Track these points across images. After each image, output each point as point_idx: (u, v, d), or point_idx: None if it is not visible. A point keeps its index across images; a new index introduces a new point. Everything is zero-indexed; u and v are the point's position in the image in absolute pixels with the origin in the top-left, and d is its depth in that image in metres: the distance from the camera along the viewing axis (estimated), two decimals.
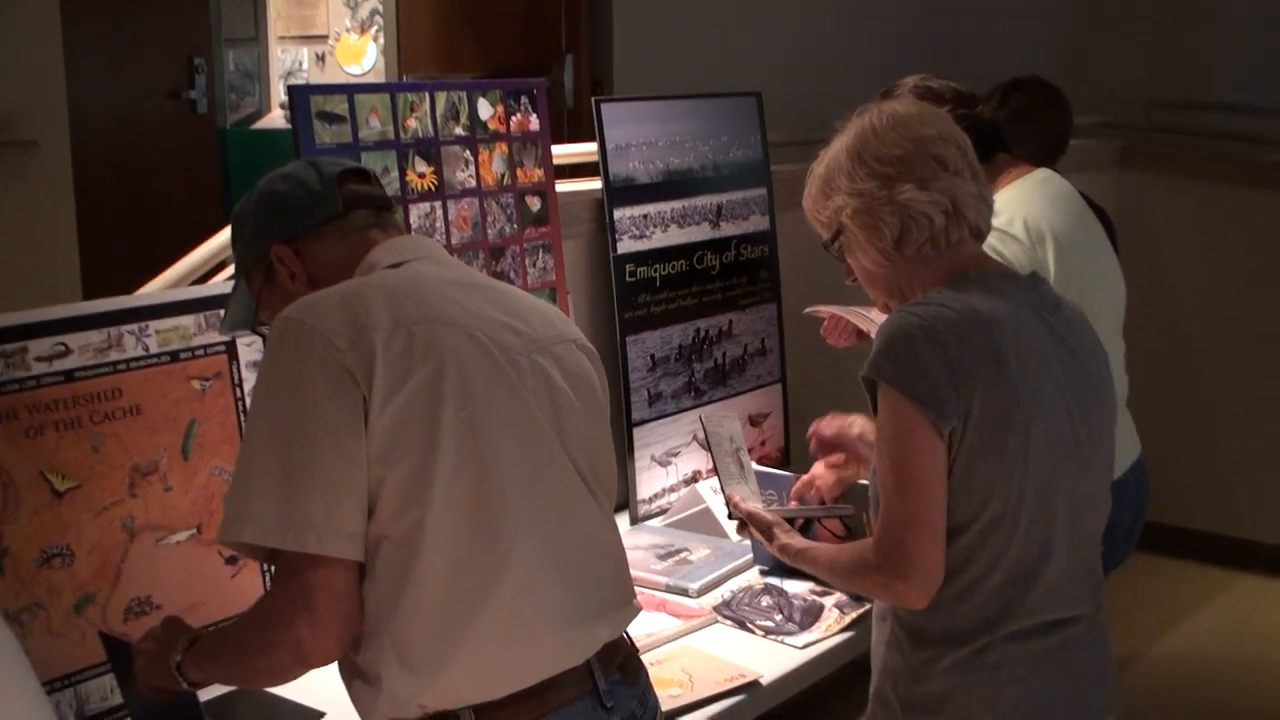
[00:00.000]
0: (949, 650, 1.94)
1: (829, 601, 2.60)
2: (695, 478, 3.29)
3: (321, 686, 1.93)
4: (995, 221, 2.70)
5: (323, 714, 2.17)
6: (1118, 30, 5.94)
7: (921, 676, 1.96)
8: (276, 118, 7.05)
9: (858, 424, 2.48)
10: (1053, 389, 1.94)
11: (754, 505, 2.33)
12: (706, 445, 2.54)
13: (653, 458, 3.22)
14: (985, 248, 2.59)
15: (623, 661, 1.82)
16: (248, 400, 2.41)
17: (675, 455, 3.27)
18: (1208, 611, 4.99)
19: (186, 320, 2.36)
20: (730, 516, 2.36)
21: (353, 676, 1.70)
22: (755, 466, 2.82)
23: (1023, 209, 2.73)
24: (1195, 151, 5.48)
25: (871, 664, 2.11)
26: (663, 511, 3.19)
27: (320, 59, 7.17)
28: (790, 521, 2.28)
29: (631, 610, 1.87)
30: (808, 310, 2.97)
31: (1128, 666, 4.45)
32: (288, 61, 7.28)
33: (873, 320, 2.75)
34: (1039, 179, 2.86)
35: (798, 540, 2.21)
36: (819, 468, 2.58)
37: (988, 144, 2.76)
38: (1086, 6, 6.07)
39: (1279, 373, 5.24)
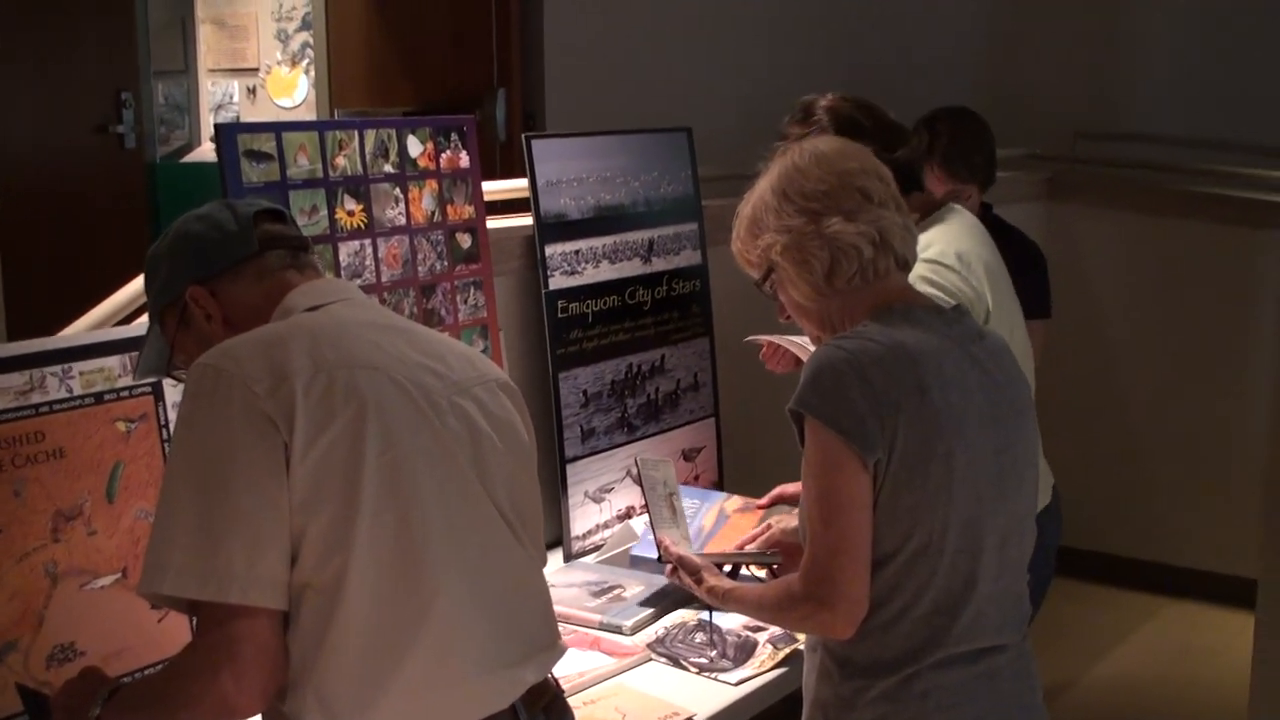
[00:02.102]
0: (877, 680, 1.96)
1: (762, 637, 2.60)
2: (629, 514, 3.28)
3: None
4: (925, 254, 2.73)
5: None
6: (1045, 63, 6.04)
7: (850, 706, 1.98)
8: (207, 151, 7.00)
9: (781, 522, 2.52)
10: (976, 420, 1.97)
11: (683, 549, 2.35)
12: (640, 487, 2.56)
13: (586, 494, 3.21)
14: (920, 280, 2.62)
15: (548, 704, 1.82)
16: None
17: (609, 491, 3.26)
18: (1137, 638, 5.04)
19: (111, 361, 2.33)
20: (660, 560, 2.38)
21: None
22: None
23: (949, 239, 2.77)
24: (1121, 182, 5.56)
25: (803, 695, 2.12)
26: (597, 548, 3.19)
27: (251, 92, 7.14)
28: (719, 566, 2.30)
29: (557, 651, 1.87)
30: (747, 339, 2.99)
31: (1060, 693, 4.49)
32: (218, 94, 7.24)
33: (809, 350, 2.77)
34: (952, 210, 2.91)
35: (724, 582, 2.25)
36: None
37: (907, 183, 2.81)
38: (1013, 40, 6.16)
39: (1205, 399, 5.32)
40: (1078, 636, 4.91)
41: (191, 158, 7.09)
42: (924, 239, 2.82)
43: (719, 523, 2.94)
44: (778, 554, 2.42)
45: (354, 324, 1.79)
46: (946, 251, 2.73)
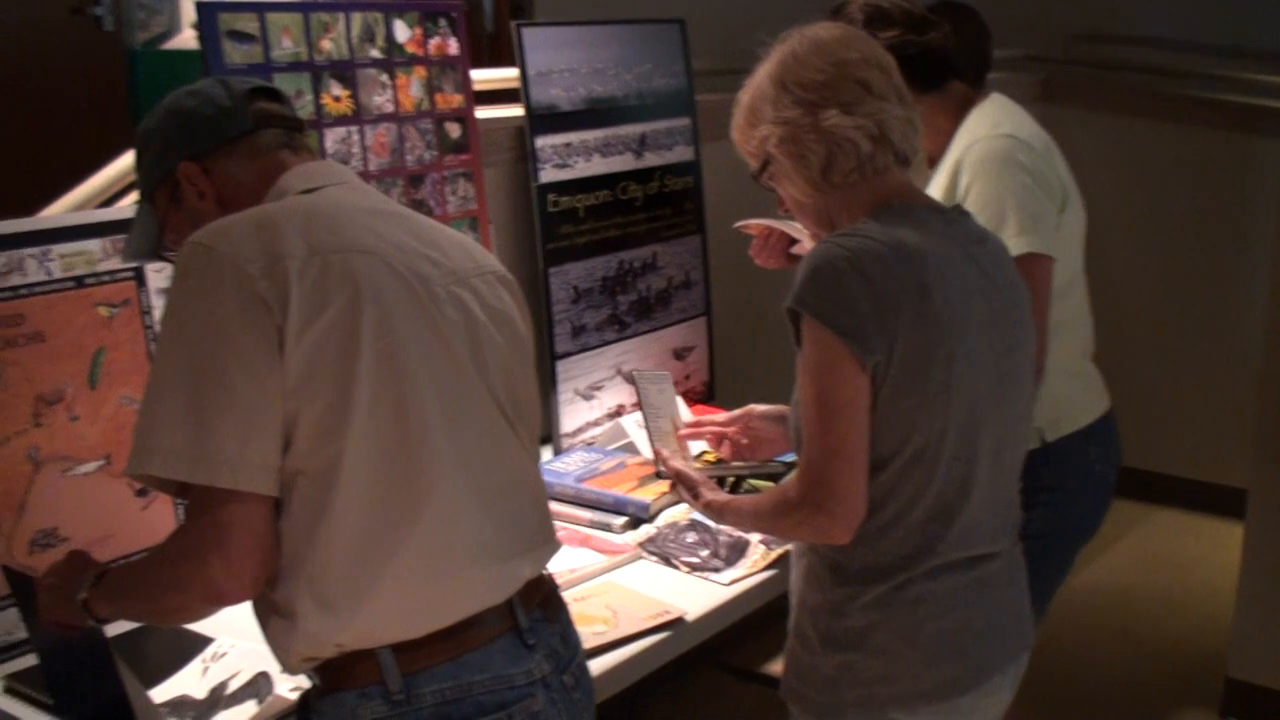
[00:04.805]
0: (869, 586, 1.93)
1: (755, 538, 2.57)
2: (619, 411, 3.25)
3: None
4: (999, 129, 2.59)
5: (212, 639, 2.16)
6: None
7: (841, 612, 1.96)
8: (188, 38, 6.80)
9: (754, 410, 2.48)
10: (976, 324, 1.92)
11: (681, 464, 2.30)
12: (639, 400, 2.52)
13: (576, 391, 3.17)
14: (1008, 162, 2.51)
15: (544, 598, 1.78)
16: (157, 329, 2.33)
17: (599, 389, 3.22)
18: (1125, 545, 5.06)
19: (92, 245, 2.27)
20: (658, 475, 2.33)
21: (268, 614, 1.64)
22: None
23: (1015, 121, 2.65)
24: (1117, 86, 5.49)
25: (790, 600, 2.09)
26: (588, 446, 3.15)
27: None
28: (720, 481, 2.25)
29: (553, 547, 1.83)
30: (737, 224, 2.92)
31: None
32: None
33: (806, 233, 2.71)
34: (1004, 100, 2.76)
35: (720, 496, 2.20)
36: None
37: (941, 72, 2.67)
38: None
39: (1197, 307, 5.30)
40: None
41: (172, 45, 6.92)
42: (986, 118, 2.66)
43: (616, 468, 2.89)
44: (778, 464, 2.37)
45: (350, 208, 1.72)
46: (1021, 128, 2.62)
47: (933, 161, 2.71)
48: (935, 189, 2.60)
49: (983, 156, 2.56)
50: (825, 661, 1.97)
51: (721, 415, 2.47)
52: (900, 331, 1.84)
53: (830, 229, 2.00)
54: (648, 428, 2.44)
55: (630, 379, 2.96)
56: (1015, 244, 2.44)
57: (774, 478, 2.40)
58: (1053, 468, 2.61)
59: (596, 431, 3.20)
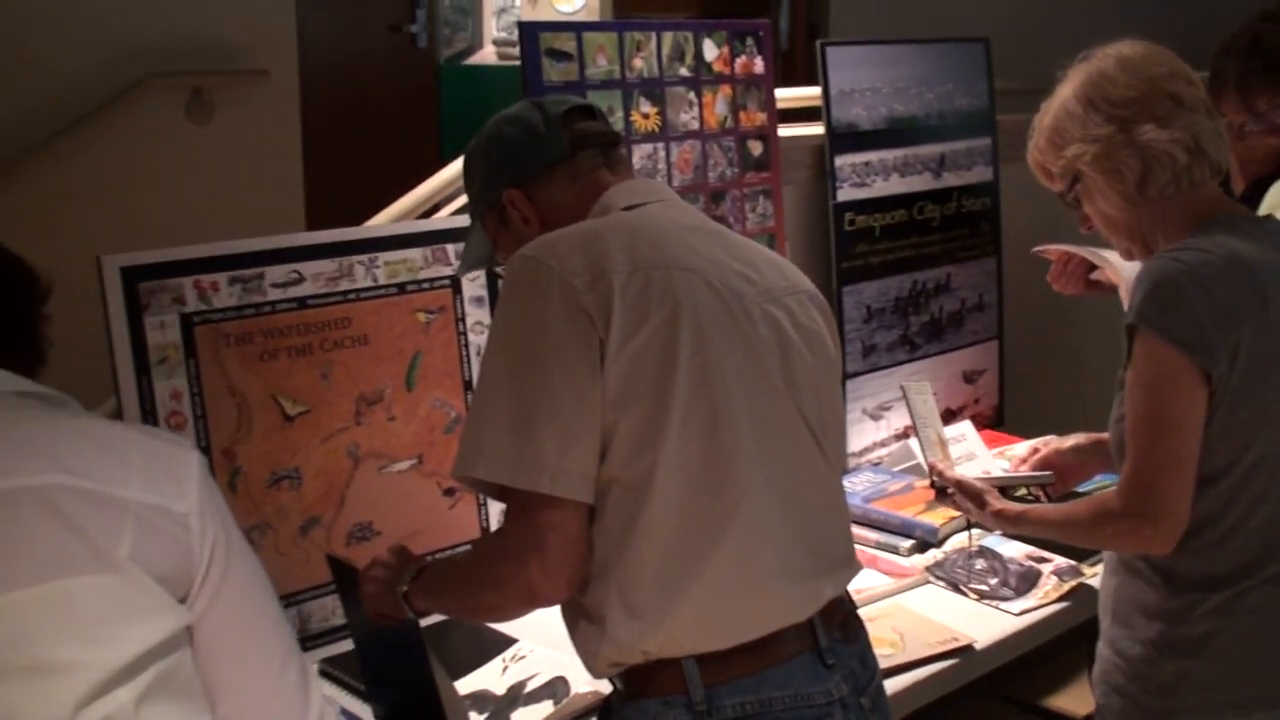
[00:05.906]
0: (1210, 593, 1.95)
1: (1046, 569, 2.52)
2: (907, 433, 3.22)
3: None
4: None
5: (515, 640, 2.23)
6: None
7: (1181, 619, 1.96)
8: (489, 54, 7.07)
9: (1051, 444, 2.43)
10: None
11: (960, 473, 2.28)
12: (909, 411, 2.50)
13: (864, 411, 3.16)
14: None
15: (844, 619, 1.79)
16: (470, 335, 2.43)
17: (887, 409, 3.21)
18: None
19: (414, 253, 2.39)
20: (933, 486, 2.32)
21: (577, 618, 1.69)
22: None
23: None
24: None
25: (1107, 612, 2.08)
26: (875, 465, 3.14)
27: None
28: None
29: (854, 567, 1.83)
30: (1036, 249, 2.87)
31: None
32: None
33: (1108, 259, 2.62)
34: None
35: (1012, 505, 2.19)
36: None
37: None
38: None
39: None
40: None
41: (474, 60, 7.18)
42: None
43: (904, 490, 2.87)
44: (1050, 474, 2.35)
45: (670, 225, 1.77)
46: None
47: None
48: None
49: None
50: (1161, 669, 1.97)
51: (1022, 448, 2.43)
52: (1242, 343, 1.87)
53: (1142, 244, 2.04)
54: (919, 438, 2.42)
55: (900, 390, 2.93)
56: None
57: (1044, 485, 2.36)
58: None
59: (883, 452, 3.18)
